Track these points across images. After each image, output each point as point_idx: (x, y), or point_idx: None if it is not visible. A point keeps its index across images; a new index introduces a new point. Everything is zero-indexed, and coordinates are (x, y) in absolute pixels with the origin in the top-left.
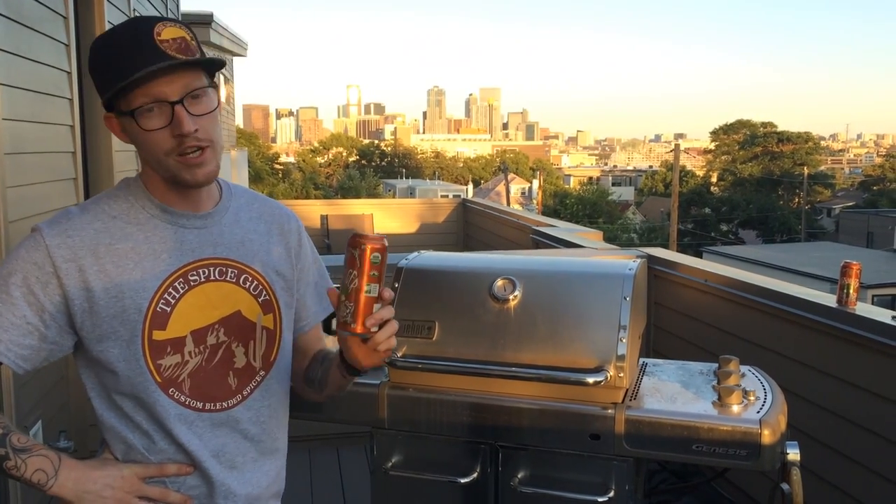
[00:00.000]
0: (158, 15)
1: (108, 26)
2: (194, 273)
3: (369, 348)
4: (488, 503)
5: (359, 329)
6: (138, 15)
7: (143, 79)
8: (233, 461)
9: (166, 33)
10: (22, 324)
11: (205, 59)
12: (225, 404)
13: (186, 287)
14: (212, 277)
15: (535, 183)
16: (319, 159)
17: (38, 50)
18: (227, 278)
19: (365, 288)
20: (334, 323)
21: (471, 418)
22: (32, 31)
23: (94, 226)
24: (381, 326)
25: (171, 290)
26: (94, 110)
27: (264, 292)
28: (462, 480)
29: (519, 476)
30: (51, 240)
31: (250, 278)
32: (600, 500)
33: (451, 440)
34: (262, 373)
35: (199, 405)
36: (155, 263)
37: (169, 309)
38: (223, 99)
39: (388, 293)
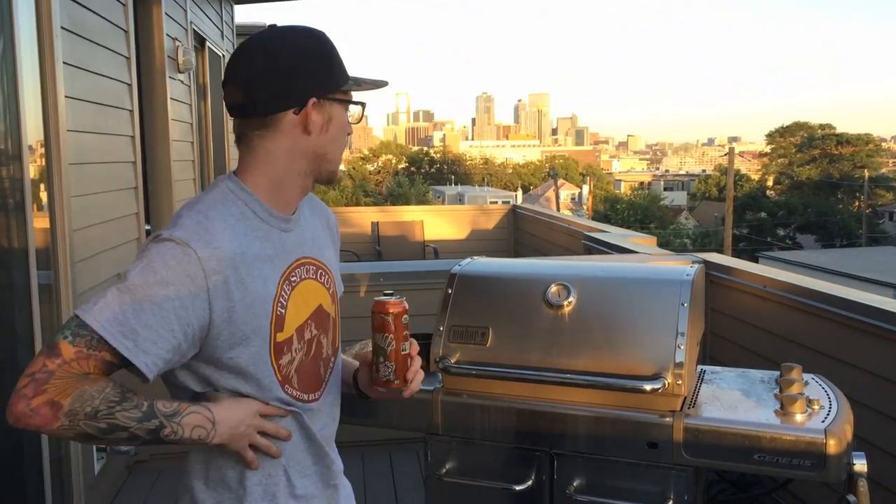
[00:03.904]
0: (216, 27)
1: (166, 40)
2: (294, 274)
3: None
4: None
5: (399, 384)
6: (196, 27)
7: (364, 85)
8: (328, 439)
9: None
10: (169, 337)
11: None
12: (320, 392)
13: (290, 288)
14: (304, 276)
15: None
16: (369, 167)
17: (100, 63)
18: (312, 275)
19: (401, 348)
20: (358, 379)
21: (525, 425)
22: (95, 44)
23: (227, 235)
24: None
25: (283, 292)
26: (154, 121)
27: (331, 284)
28: (517, 488)
29: (574, 484)
30: (202, 252)
31: (323, 272)
32: None
33: (506, 447)
34: (333, 359)
35: (306, 397)
36: (271, 268)
37: (284, 311)
38: None
39: (416, 346)
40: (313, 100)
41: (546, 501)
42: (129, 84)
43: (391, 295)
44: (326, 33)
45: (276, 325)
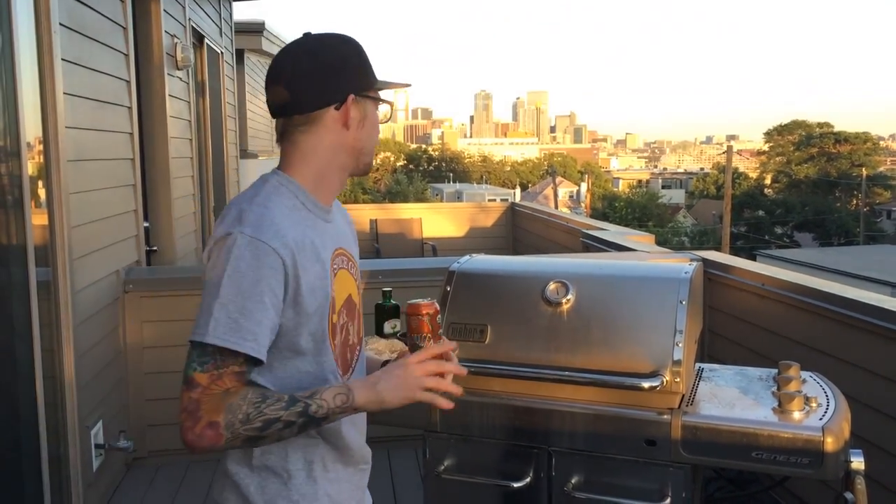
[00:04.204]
0: (214, 24)
1: (164, 36)
2: (335, 263)
3: None
4: None
5: None
6: (194, 24)
7: (392, 85)
8: (356, 422)
9: None
10: (271, 325)
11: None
12: (347, 377)
13: (333, 276)
14: (340, 266)
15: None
16: None
17: (98, 59)
18: (345, 265)
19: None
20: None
21: (523, 422)
22: (94, 41)
23: (287, 224)
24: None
25: (330, 279)
26: (152, 118)
27: (357, 276)
28: (515, 485)
29: (573, 481)
30: (275, 244)
31: (352, 264)
32: None
33: (504, 444)
34: (358, 347)
35: (343, 378)
36: (323, 256)
37: (334, 295)
38: None
39: (451, 344)
40: (352, 97)
41: (544, 498)
42: (127, 81)
43: (419, 298)
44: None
45: (331, 308)
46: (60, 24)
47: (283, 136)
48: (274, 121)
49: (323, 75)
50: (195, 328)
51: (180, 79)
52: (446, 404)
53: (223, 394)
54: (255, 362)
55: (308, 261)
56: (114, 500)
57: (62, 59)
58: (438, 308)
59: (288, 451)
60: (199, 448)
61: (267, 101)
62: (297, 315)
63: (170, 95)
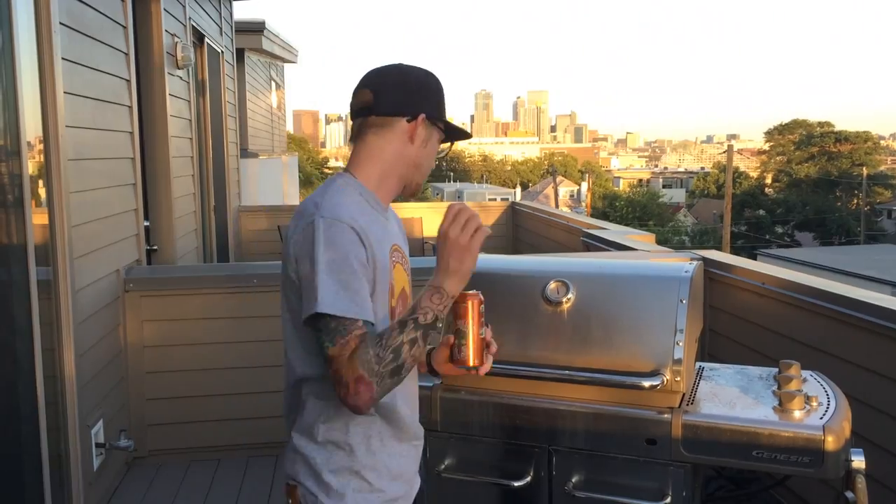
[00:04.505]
0: (214, 23)
1: (165, 35)
2: (392, 256)
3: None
4: None
5: (476, 364)
6: (194, 24)
7: (456, 129)
8: (409, 400)
9: None
10: (366, 289)
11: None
12: None
13: (392, 267)
14: (396, 260)
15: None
16: None
17: (99, 59)
18: (399, 260)
19: (479, 332)
20: (433, 358)
21: (524, 421)
22: (94, 40)
23: (357, 212)
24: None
25: (391, 267)
26: (152, 118)
27: (409, 272)
28: (515, 484)
29: (573, 480)
30: (354, 224)
31: (406, 261)
32: None
33: (504, 443)
34: None
35: None
36: (385, 247)
37: (393, 283)
38: (275, 105)
39: (490, 331)
40: (423, 116)
41: (544, 497)
42: (127, 80)
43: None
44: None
45: (390, 293)
46: (60, 23)
47: (357, 136)
48: (274, 123)
49: (405, 89)
50: (309, 306)
51: (180, 78)
52: (486, 232)
53: (350, 356)
54: (366, 321)
55: (376, 243)
56: (114, 498)
57: (62, 59)
58: (483, 299)
59: (349, 427)
60: (364, 405)
61: (350, 105)
62: (372, 291)
63: (170, 94)
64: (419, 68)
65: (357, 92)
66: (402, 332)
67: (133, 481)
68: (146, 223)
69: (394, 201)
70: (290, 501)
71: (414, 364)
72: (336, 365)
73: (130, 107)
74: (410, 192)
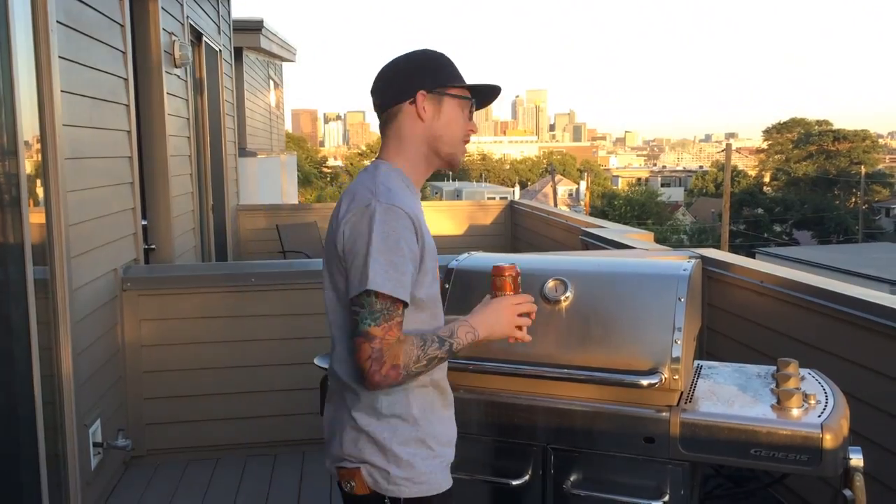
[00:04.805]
0: (212, 22)
1: (162, 34)
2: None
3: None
4: None
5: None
6: (192, 22)
7: (476, 87)
8: (447, 372)
9: None
10: (412, 277)
11: (494, 89)
12: None
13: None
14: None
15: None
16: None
17: (96, 57)
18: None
19: None
20: None
21: (522, 420)
22: (91, 38)
23: (407, 197)
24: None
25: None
26: (150, 116)
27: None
28: (514, 483)
29: (571, 479)
30: (408, 209)
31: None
32: None
33: (503, 442)
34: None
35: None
36: (427, 227)
37: (437, 263)
38: (273, 104)
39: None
40: (422, 92)
41: (543, 496)
42: (125, 79)
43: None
44: (447, 54)
45: (439, 272)
46: (58, 21)
47: (381, 130)
48: (272, 122)
49: (398, 77)
50: (355, 285)
51: (178, 77)
52: (527, 338)
53: (397, 342)
54: (405, 306)
55: (424, 228)
56: (112, 498)
57: (59, 57)
58: (520, 271)
59: (410, 399)
60: (383, 386)
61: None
62: (418, 272)
63: (168, 93)
64: (413, 51)
65: (371, 95)
66: (440, 348)
67: (131, 481)
68: (144, 222)
69: (442, 178)
70: (353, 483)
71: (429, 371)
72: (378, 343)
73: (128, 105)
74: (449, 164)
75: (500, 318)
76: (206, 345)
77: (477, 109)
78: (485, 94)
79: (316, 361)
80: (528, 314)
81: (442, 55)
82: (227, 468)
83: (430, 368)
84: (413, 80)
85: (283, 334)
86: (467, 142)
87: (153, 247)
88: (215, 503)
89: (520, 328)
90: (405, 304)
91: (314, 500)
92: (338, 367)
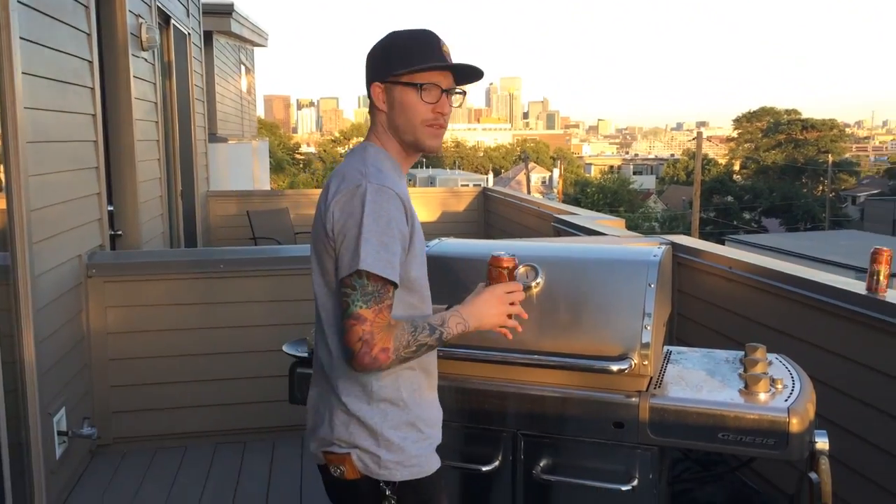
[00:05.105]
0: (181, 4)
1: (129, 16)
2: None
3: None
4: (510, 491)
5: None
6: (160, 5)
7: (435, 67)
8: (434, 353)
9: (445, 48)
10: (400, 258)
11: (471, 67)
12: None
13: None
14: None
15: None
16: (340, 149)
17: (59, 39)
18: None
19: None
20: None
21: (492, 406)
22: (54, 20)
23: (396, 178)
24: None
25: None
26: (116, 100)
27: None
28: (484, 468)
29: (541, 464)
30: (398, 190)
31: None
32: (624, 488)
33: (472, 428)
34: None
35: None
36: (414, 211)
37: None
38: (244, 89)
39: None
40: (375, 84)
41: (513, 482)
42: (89, 61)
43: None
44: (421, 33)
45: (427, 254)
46: (19, 1)
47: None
48: (244, 108)
49: (366, 66)
50: (346, 265)
51: (145, 60)
52: (518, 327)
53: (387, 325)
54: (395, 288)
55: (412, 210)
56: (78, 487)
57: (21, 38)
58: (518, 263)
59: (399, 383)
60: (371, 369)
61: None
62: (408, 253)
63: (134, 77)
64: (385, 36)
65: None
66: (430, 335)
67: (97, 469)
68: (110, 208)
69: (415, 164)
70: (343, 468)
71: (417, 356)
72: (369, 326)
73: (93, 88)
74: (417, 150)
75: (491, 308)
76: (174, 332)
77: (459, 85)
78: (463, 73)
79: (285, 349)
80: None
81: (393, 39)
82: (195, 457)
83: (418, 355)
84: (371, 71)
85: (253, 321)
86: (439, 125)
87: (120, 233)
88: (184, 492)
89: (509, 317)
90: (395, 286)
91: (285, 488)
92: (324, 351)
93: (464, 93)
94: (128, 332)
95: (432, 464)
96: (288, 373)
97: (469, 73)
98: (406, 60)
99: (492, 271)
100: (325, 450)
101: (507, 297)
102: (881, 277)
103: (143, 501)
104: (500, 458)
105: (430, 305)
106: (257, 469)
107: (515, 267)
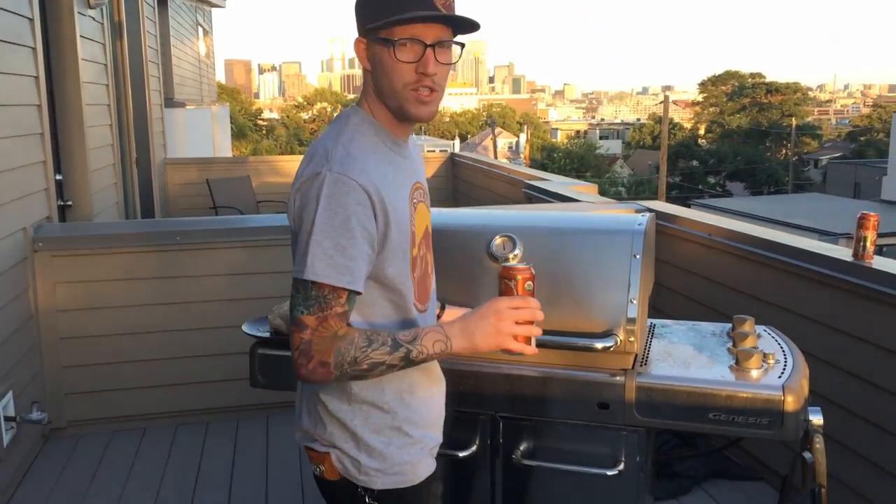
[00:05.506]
0: None
1: None
2: (414, 197)
3: None
4: (488, 478)
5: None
6: None
7: (410, 18)
8: None
9: None
10: (367, 258)
11: (460, 17)
12: (428, 303)
13: (413, 210)
14: (419, 199)
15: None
16: (304, 115)
17: None
18: (423, 199)
19: None
20: None
21: (468, 387)
22: None
23: (370, 163)
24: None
25: (411, 213)
26: (62, 61)
27: (429, 204)
28: (460, 454)
29: (521, 448)
30: (360, 180)
31: (428, 197)
32: (609, 473)
33: (448, 411)
34: (432, 275)
35: (420, 307)
36: (403, 191)
37: (414, 230)
38: (203, 52)
39: (540, 314)
40: (358, 39)
41: (491, 467)
42: (30, 18)
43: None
44: None
45: (411, 242)
46: None
47: None
48: (203, 72)
49: (363, 5)
50: (295, 267)
51: (93, 18)
52: (532, 351)
53: (332, 337)
54: (355, 295)
55: (393, 197)
56: (29, 474)
57: None
58: (534, 274)
59: (383, 385)
60: (311, 381)
61: None
62: (383, 249)
63: (81, 36)
64: None
65: None
66: (391, 353)
67: (50, 455)
68: (58, 177)
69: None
70: (323, 468)
71: (379, 377)
72: (308, 334)
73: (34, 48)
74: (406, 118)
75: (487, 326)
76: (130, 308)
77: (457, 36)
78: (459, 25)
79: (244, 328)
80: (531, 322)
81: None
82: (154, 439)
83: (373, 374)
84: (357, 23)
85: (214, 296)
86: (427, 89)
87: (69, 203)
88: (143, 476)
89: (519, 338)
90: (354, 292)
91: (250, 470)
92: None
93: (462, 45)
94: (80, 309)
95: (420, 471)
96: (248, 354)
97: (462, 24)
98: (379, 11)
99: (500, 283)
100: (306, 444)
101: (512, 313)
102: (868, 244)
103: (100, 486)
104: (477, 443)
105: (429, 302)
106: (221, 451)
107: (532, 278)
